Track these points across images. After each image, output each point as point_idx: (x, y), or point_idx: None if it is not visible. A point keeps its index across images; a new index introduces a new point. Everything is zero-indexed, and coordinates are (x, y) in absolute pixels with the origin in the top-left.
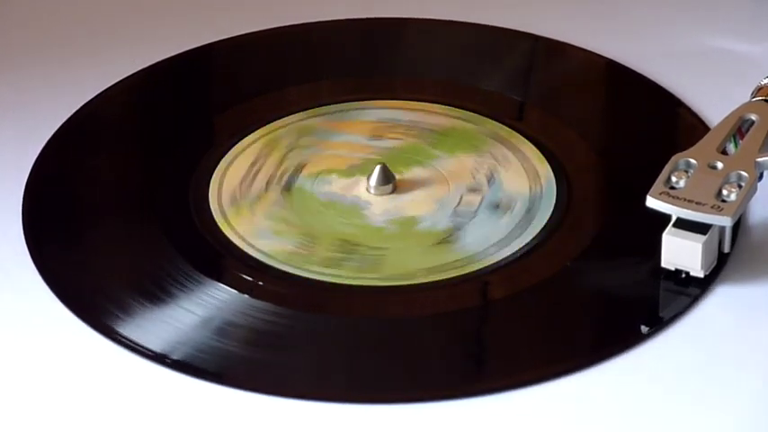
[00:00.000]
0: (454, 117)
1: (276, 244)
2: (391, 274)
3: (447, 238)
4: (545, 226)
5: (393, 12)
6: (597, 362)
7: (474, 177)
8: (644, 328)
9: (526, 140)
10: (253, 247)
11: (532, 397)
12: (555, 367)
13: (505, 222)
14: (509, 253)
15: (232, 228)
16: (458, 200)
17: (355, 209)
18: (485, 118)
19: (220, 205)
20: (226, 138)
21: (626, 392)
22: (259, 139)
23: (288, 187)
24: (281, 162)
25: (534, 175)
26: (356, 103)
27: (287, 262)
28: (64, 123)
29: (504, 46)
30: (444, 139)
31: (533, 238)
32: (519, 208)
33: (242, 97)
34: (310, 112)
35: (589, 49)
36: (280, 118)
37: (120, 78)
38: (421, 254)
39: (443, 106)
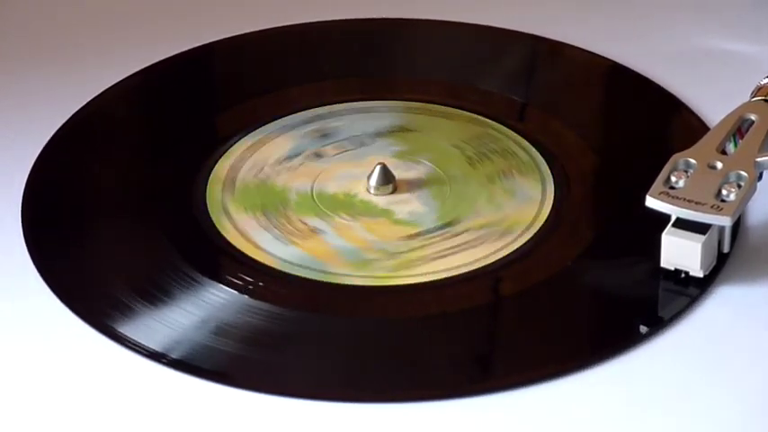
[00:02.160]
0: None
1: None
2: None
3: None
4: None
5: (393, 12)
6: (597, 362)
7: None
8: (643, 329)
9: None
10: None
11: (532, 397)
12: (554, 367)
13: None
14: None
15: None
16: None
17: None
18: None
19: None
20: (226, 138)
21: (625, 392)
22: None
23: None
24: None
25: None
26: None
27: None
28: (64, 123)
29: (505, 47)
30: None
31: (533, 238)
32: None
33: (242, 97)
34: (310, 112)
35: (589, 49)
36: (280, 118)
37: (121, 78)
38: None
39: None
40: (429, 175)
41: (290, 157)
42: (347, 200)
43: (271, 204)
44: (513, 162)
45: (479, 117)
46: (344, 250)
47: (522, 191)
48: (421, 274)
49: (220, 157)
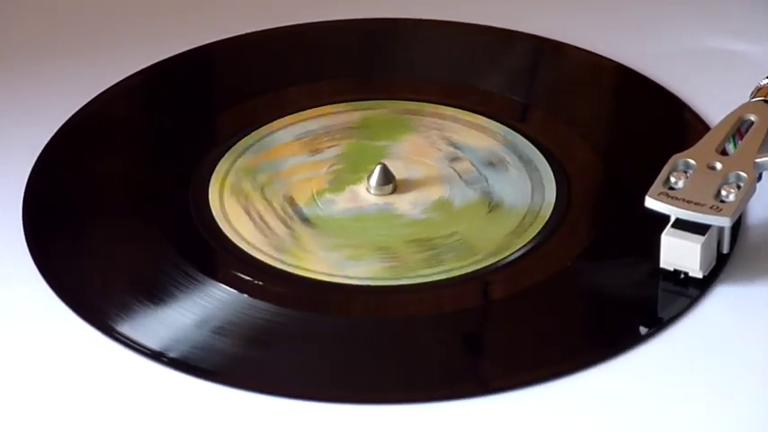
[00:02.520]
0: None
1: (364, 267)
2: (489, 251)
3: (492, 204)
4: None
5: (393, 12)
6: (596, 362)
7: (440, 149)
8: (643, 329)
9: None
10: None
11: (531, 397)
12: (554, 368)
13: (516, 173)
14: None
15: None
16: (453, 171)
17: (386, 214)
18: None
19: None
20: (226, 138)
21: (625, 393)
22: (224, 191)
23: (305, 219)
24: (269, 203)
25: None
26: (254, 133)
27: (390, 277)
28: (64, 123)
29: (505, 47)
30: (371, 130)
31: (533, 238)
32: (511, 159)
33: (242, 97)
34: (310, 112)
35: (590, 49)
36: (279, 118)
37: (121, 78)
38: (490, 224)
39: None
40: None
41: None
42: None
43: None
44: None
45: (379, 102)
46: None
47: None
48: (417, 276)
49: (220, 157)
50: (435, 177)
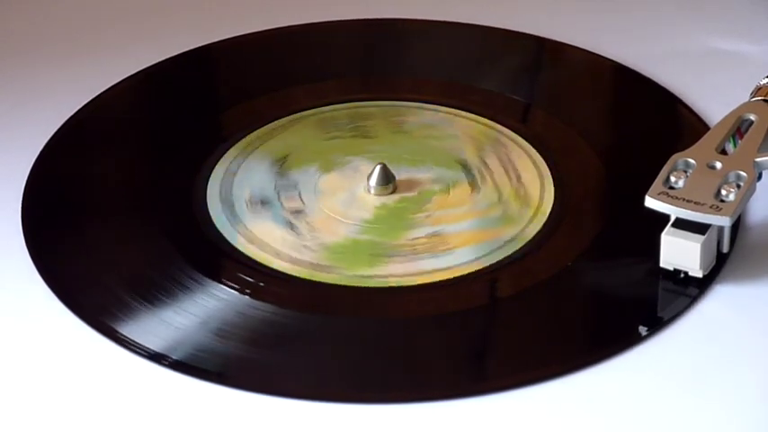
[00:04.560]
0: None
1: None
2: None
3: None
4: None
5: (393, 12)
6: (596, 362)
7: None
8: (643, 329)
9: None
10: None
11: (531, 397)
12: (554, 367)
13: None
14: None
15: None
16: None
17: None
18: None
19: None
20: (226, 138)
21: (625, 393)
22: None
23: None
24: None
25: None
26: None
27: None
28: (64, 123)
29: (505, 47)
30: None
31: (533, 238)
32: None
33: (242, 98)
34: (309, 112)
35: (590, 49)
36: (280, 118)
37: (121, 78)
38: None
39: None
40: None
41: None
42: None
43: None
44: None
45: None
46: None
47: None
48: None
49: (221, 157)
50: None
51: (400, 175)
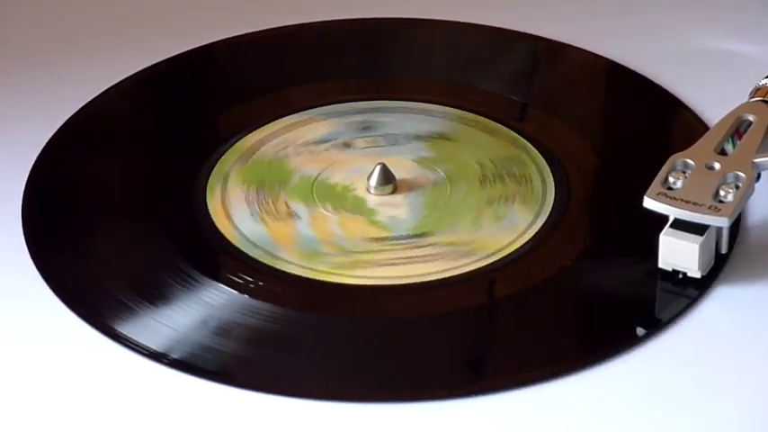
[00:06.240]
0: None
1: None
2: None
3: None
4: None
5: (393, 12)
6: (595, 363)
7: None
8: (641, 330)
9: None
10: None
11: (530, 397)
12: (553, 368)
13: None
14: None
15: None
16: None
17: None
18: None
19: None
20: (226, 138)
21: (624, 394)
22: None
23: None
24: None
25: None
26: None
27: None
28: (64, 123)
29: (505, 46)
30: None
31: (533, 238)
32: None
33: (242, 97)
34: (309, 112)
35: (589, 49)
36: (279, 118)
37: (121, 79)
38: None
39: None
40: (434, 184)
41: (318, 142)
42: (342, 193)
43: (269, 182)
44: (522, 189)
45: (519, 138)
46: (304, 239)
47: (511, 218)
48: (362, 277)
49: (221, 157)
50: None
51: (407, 177)
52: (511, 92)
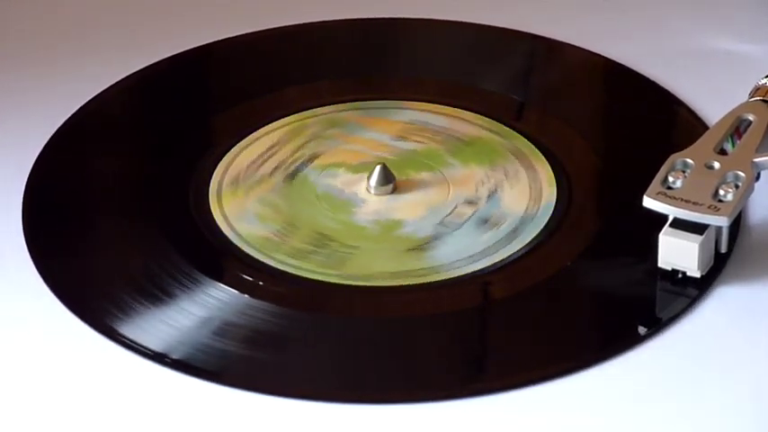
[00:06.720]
0: (483, 127)
1: (254, 228)
2: (353, 274)
3: (422, 246)
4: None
5: (393, 12)
6: (595, 362)
7: (476, 190)
8: (641, 329)
9: (545, 160)
10: (232, 229)
11: (530, 397)
12: (553, 368)
13: (485, 239)
14: (485, 265)
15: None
16: (451, 209)
17: (347, 205)
18: (511, 131)
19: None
20: (225, 138)
21: (624, 393)
22: (284, 126)
23: (293, 175)
24: (297, 150)
25: (537, 197)
26: (393, 102)
27: (257, 247)
28: (64, 123)
29: (504, 46)
30: (465, 149)
31: (533, 239)
32: (505, 227)
33: (241, 97)
34: (310, 112)
35: (589, 49)
36: (279, 118)
37: (120, 78)
38: (389, 257)
39: (476, 115)
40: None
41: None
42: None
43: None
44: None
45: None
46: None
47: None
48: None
49: (221, 157)
50: (427, 205)
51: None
52: (510, 91)
